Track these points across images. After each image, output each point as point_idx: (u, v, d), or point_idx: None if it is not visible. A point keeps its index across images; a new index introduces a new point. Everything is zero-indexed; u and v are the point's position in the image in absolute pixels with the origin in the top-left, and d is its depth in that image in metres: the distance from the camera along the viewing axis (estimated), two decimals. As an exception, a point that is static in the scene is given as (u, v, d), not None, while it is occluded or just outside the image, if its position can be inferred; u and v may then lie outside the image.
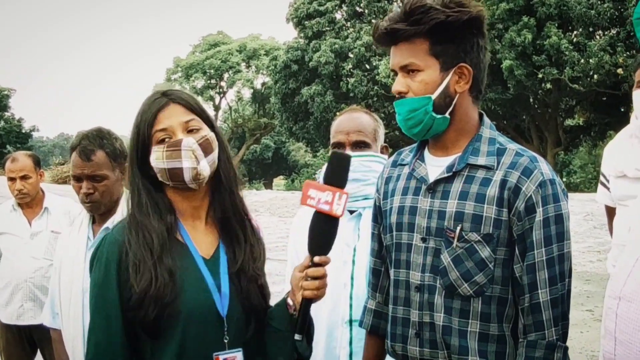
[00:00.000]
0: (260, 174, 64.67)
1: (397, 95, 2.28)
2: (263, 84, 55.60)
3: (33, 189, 4.97)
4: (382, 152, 3.09)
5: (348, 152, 2.98)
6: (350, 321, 2.89)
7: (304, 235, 3.18)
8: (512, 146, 2.28)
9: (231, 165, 2.29)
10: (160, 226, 2.16)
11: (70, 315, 3.07)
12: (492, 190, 2.19)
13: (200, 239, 2.24)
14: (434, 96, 2.21)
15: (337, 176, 2.11)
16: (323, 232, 2.12)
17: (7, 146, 62.83)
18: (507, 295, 2.22)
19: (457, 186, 2.25)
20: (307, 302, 2.15)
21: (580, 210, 18.67)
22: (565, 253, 2.19)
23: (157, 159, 2.15)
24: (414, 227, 2.31)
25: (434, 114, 2.22)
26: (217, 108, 60.16)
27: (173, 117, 2.16)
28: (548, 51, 28.03)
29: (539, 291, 2.16)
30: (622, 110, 31.67)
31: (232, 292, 2.19)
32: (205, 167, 2.16)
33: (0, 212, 5.16)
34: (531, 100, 33.54)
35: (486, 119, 2.37)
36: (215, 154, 2.21)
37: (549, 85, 31.65)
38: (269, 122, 56.10)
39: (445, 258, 2.23)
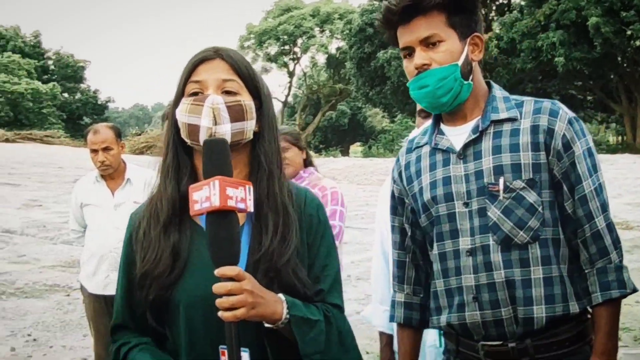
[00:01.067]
0: (337, 141, 64.71)
1: (417, 71, 2.32)
2: (338, 48, 55.54)
3: (115, 161, 5.02)
4: None
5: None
6: None
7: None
8: (528, 98, 2.39)
9: (275, 148, 2.05)
10: (174, 194, 1.97)
11: None
12: (524, 138, 2.28)
13: None
14: (459, 62, 2.29)
15: (225, 165, 1.77)
16: (230, 235, 1.74)
17: (84, 118, 64.62)
18: (559, 236, 2.29)
19: (487, 144, 2.32)
20: (230, 326, 1.75)
21: (672, 174, 18.02)
22: (602, 183, 2.30)
23: (181, 111, 1.95)
24: (452, 195, 2.35)
25: (462, 80, 2.30)
26: (291, 75, 60.50)
27: (212, 72, 1.97)
28: (637, 6, 26.97)
29: (596, 219, 2.25)
30: None
31: None
32: (226, 132, 1.91)
33: (84, 184, 5.24)
34: (619, 58, 32.53)
35: (494, 83, 2.46)
36: (246, 124, 1.96)
37: (638, 43, 30.54)
38: (344, 88, 56.07)
39: (494, 213, 2.27)
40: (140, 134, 38.17)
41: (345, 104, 62.44)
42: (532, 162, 2.26)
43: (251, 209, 1.78)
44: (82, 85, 68.83)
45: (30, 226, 13.63)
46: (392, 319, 2.61)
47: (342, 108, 63.21)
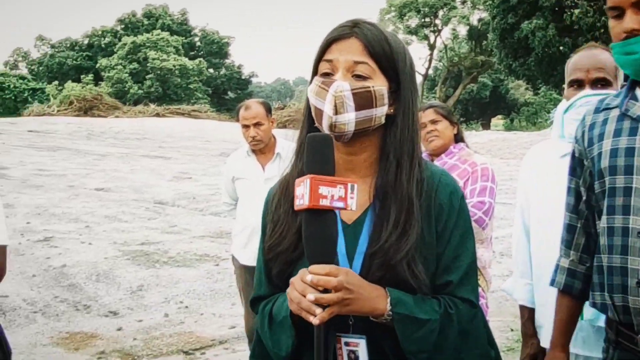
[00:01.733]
0: (478, 114, 63.60)
1: (625, 35, 2.10)
2: (479, 20, 54.37)
3: (266, 136, 5.12)
4: None
5: (587, 90, 2.87)
6: None
7: (531, 174, 3.08)
8: None
9: (408, 134, 1.89)
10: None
11: None
12: None
13: None
14: None
15: (326, 162, 1.72)
16: (322, 234, 1.70)
17: (229, 92, 66.47)
18: None
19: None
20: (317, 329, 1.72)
21: None
22: None
23: (311, 90, 1.88)
24: (632, 169, 2.13)
25: None
26: (432, 47, 59.75)
27: (344, 52, 1.85)
28: None
29: None
30: None
31: (366, 270, 1.83)
32: (349, 121, 1.82)
33: (236, 158, 5.38)
34: None
35: None
36: (375, 111, 1.85)
37: None
38: (486, 60, 54.92)
39: None
40: (282, 108, 39.01)
41: (486, 76, 61.22)
42: None
43: (353, 207, 1.70)
44: (227, 61, 70.94)
45: (180, 198, 14.25)
46: (552, 283, 2.50)
47: (484, 80, 62.00)
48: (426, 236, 1.85)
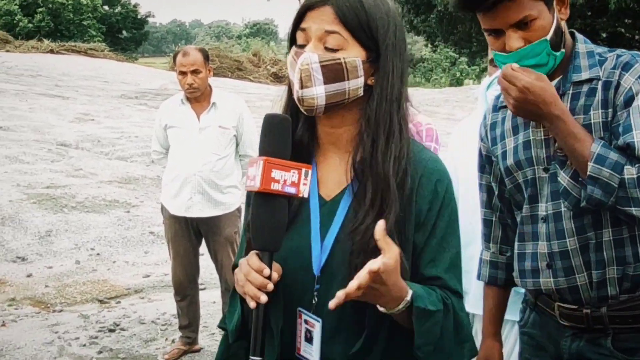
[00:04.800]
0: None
1: (508, 50, 2.16)
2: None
3: (203, 84, 4.99)
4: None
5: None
6: None
7: (460, 152, 3.16)
8: (612, 53, 2.21)
9: (386, 108, 1.77)
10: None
11: None
12: (597, 97, 2.14)
13: (327, 173, 1.86)
14: (548, 37, 2.14)
15: (283, 144, 1.68)
16: (270, 220, 1.65)
17: (124, 31, 64.65)
18: None
19: (565, 106, 2.16)
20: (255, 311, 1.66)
21: None
22: None
23: (288, 61, 1.80)
24: (532, 160, 2.26)
25: (554, 53, 2.17)
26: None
27: (317, 21, 1.74)
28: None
29: None
30: None
31: (337, 250, 1.77)
32: (318, 95, 1.73)
33: (169, 106, 5.24)
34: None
35: (578, 35, 2.29)
36: (348, 84, 1.74)
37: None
38: (386, 14, 55.31)
39: (563, 179, 2.16)
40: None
41: (386, 30, 61.79)
42: (602, 120, 2.12)
43: (305, 194, 1.66)
44: (122, -1, 68.78)
45: (84, 140, 13.74)
46: (478, 277, 2.60)
47: (383, 34, 62.52)
48: (405, 221, 1.77)
